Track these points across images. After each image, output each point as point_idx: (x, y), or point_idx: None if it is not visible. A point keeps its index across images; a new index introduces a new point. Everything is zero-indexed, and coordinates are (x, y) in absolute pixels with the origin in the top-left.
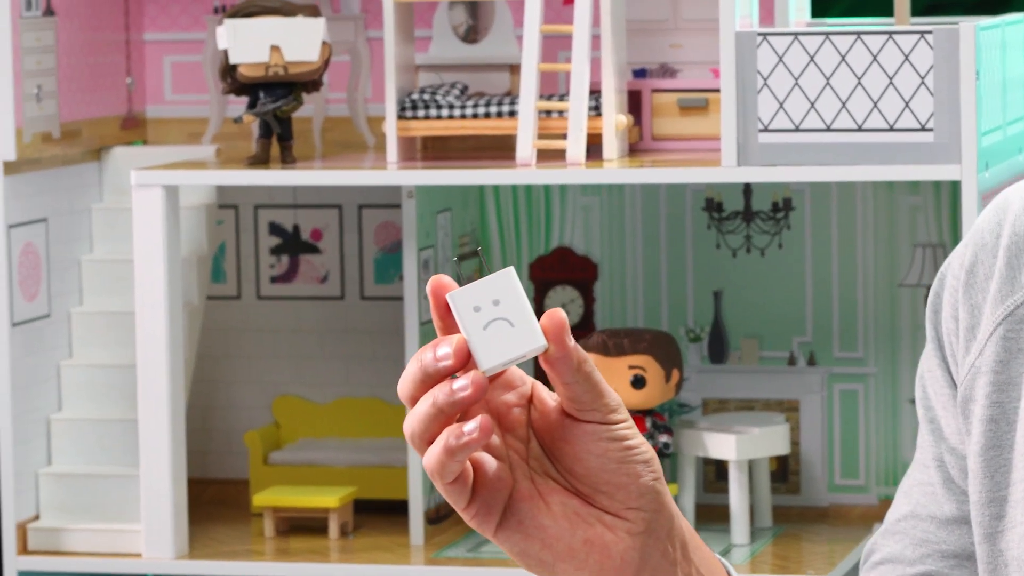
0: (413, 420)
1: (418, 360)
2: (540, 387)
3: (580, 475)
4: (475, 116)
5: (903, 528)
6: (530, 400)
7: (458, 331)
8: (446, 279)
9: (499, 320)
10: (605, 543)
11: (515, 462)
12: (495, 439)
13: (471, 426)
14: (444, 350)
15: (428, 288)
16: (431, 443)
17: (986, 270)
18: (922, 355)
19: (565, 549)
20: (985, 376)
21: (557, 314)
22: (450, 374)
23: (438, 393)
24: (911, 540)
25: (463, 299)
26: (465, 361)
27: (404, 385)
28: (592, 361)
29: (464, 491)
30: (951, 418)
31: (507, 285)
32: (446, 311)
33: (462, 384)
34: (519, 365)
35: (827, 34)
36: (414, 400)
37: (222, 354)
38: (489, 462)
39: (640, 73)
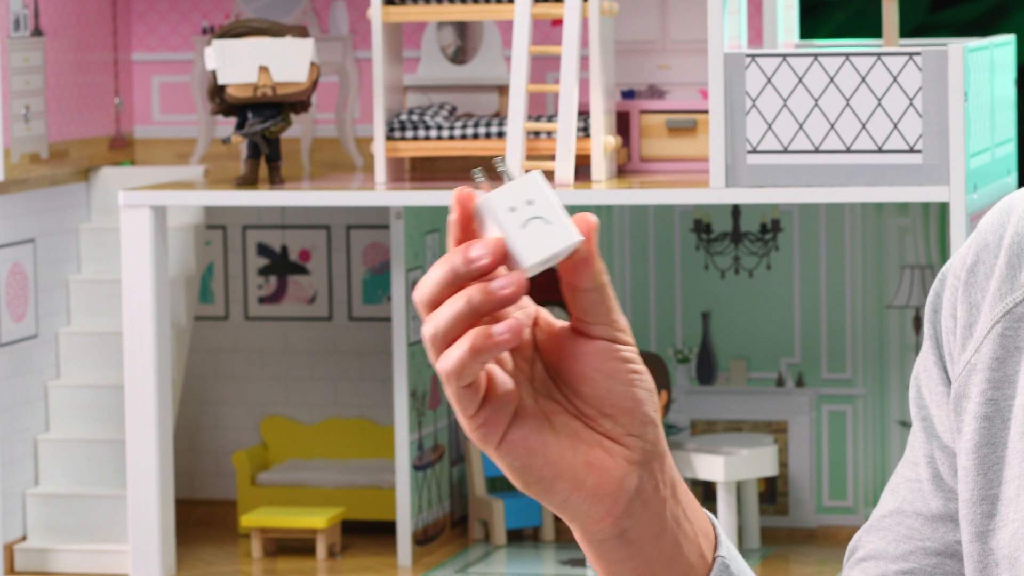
0: (439, 319)
1: (447, 263)
2: (544, 310)
3: (587, 396)
4: (463, 137)
5: (888, 524)
6: (535, 322)
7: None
8: (471, 189)
9: (536, 219)
10: (604, 466)
11: (520, 381)
12: (506, 354)
13: (501, 328)
14: (478, 251)
15: (454, 197)
16: (451, 345)
17: (987, 269)
18: (919, 355)
19: (566, 468)
20: (981, 373)
21: (588, 215)
22: (482, 275)
23: (474, 292)
24: (895, 536)
25: (496, 201)
26: (501, 261)
27: (426, 288)
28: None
29: (475, 398)
30: (944, 416)
31: (537, 186)
32: (468, 220)
33: (503, 283)
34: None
35: (816, 55)
36: (436, 304)
37: (210, 374)
38: (499, 373)
39: (628, 94)
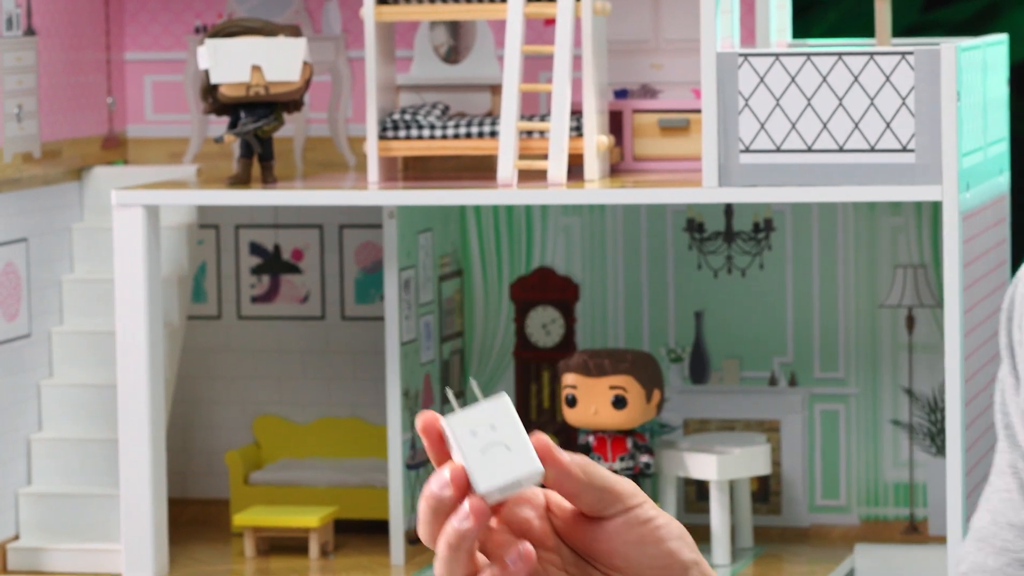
0: (437, 566)
1: (424, 499)
2: (553, 495)
3: (623, 568)
4: (456, 136)
5: (984, 535)
6: (548, 509)
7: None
8: (434, 413)
9: (497, 445)
10: None
11: (553, 574)
12: (532, 550)
13: (513, 555)
14: (442, 479)
15: (419, 422)
16: None
17: None
18: (1002, 362)
19: None
20: None
21: (540, 437)
22: (456, 505)
23: (448, 533)
24: (992, 549)
25: (459, 423)
26: (466, 488)
27: (421, 529)
28: (590, 461)
29: None
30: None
31: (502, 410)
32: (440, 442)
33: (462, 515)
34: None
35: (808, 55)
36: (435, 539)
37: (203, 374)
38: None
39: (621, 94)
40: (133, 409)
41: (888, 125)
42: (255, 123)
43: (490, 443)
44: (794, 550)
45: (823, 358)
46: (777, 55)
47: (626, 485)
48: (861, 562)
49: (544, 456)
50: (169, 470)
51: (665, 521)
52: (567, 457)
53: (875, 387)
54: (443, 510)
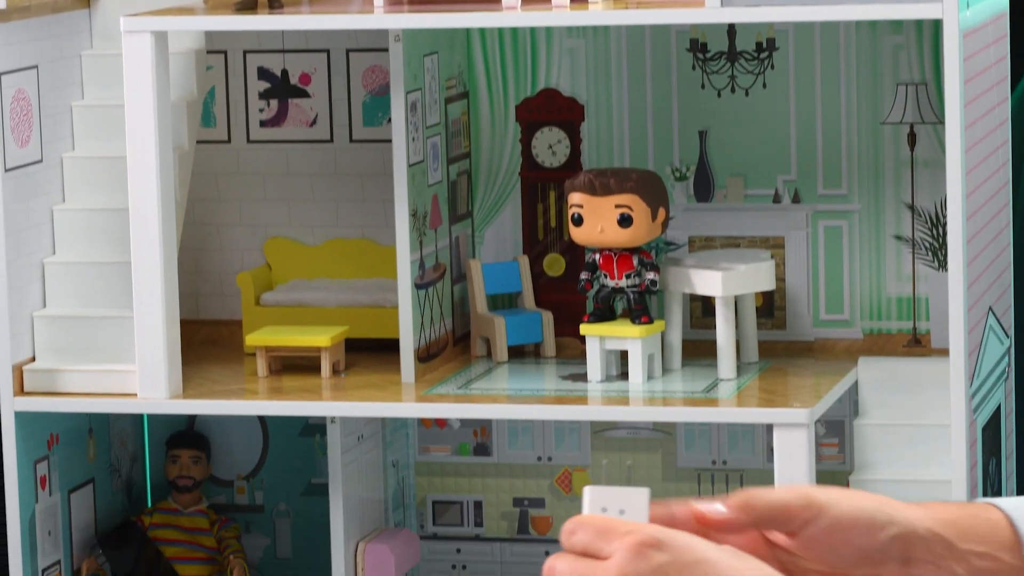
0: None
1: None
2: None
3: (828, 561)
4: None
5: None
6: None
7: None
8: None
9: None
10: None
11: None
12: None
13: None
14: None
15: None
16: None
17: None
18: None
19: None
20: None
21: (698, 508)
22: None
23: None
24: None
25: (595, 496)
26: None
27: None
28: (751, 492)
29: None
30: None
31: (638, 501)
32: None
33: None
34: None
35: None
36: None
37: (213, 197)
38: None
39: None
40: (145, 232)
41: None
42: None
43: None
44: (799, 364)
45: (826, 175)
46: None
47: (795, 500)
48: (865, 374)
49: (701, 522)
50: (181, 292)
51: (847, 512)
52: (723, 511)
53: (878, 203)
54: None
